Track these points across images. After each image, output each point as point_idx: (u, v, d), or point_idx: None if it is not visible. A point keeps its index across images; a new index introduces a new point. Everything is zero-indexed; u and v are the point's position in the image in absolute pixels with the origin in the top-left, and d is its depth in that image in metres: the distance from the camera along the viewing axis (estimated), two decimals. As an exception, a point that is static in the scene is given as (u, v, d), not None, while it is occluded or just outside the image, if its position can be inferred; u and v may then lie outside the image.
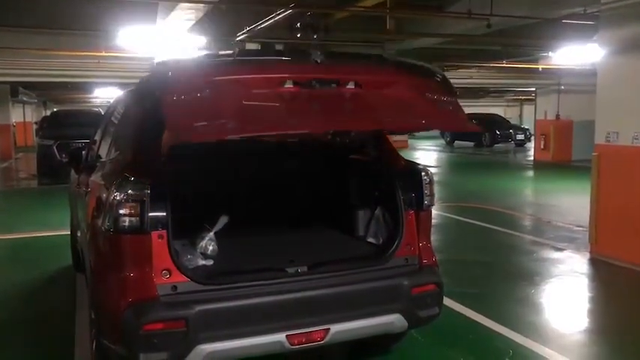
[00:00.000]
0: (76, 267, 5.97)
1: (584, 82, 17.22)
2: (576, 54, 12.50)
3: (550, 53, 13.72)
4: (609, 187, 6.77)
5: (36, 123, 29.45)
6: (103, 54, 12.56)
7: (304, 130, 2.98)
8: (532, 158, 21.40)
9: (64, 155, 5.55)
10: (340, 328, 3.21)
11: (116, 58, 13.19)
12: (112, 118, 4.44)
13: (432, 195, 3.59)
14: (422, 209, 3.55)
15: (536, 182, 15.98)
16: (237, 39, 9.57)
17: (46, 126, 16.61)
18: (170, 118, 2.67)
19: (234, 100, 2.79)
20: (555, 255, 7.11)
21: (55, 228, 8.23)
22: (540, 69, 16.98)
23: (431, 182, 3.59)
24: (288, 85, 2.93)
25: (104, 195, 3.16)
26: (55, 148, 14.58)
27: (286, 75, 2.97)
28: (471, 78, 19.62)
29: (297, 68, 3.09)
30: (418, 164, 3.66)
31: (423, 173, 3.55)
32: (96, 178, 3.71)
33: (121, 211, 2.92)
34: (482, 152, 26.32)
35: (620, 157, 6.60)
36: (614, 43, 6.71)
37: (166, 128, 2.77)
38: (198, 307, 2.92)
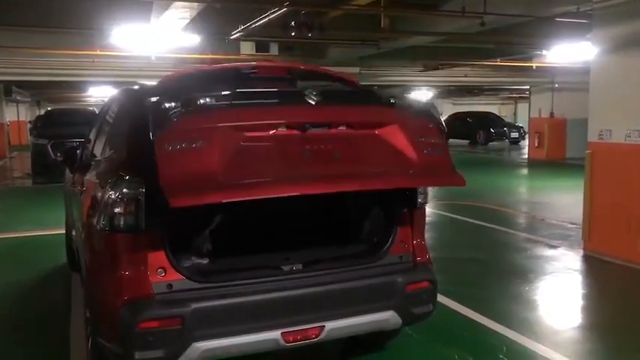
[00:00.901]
0: (71, 266, 5.97)
1: (578, 80, 17.28)
2: (570, 52, 12.56)
3: (544, 51, 13.77)
4: (602, 185, 6.81)
5: (30, 122, 29.38)
6: (98, 53, 12.53)
7: (300, 192, 2.87)
8: (526, 156, 21.48)
9: (58, 154, 5.52)
10: (335, 326, 3.23)
11: (111, 57, 13.16)
12: (107, 117, 4.44)
13: (425, 193, 3.61)
14: (415, 207, 3.57)
15: (531, 180, 16.04)
16: (232, 37, 9.56)
17: (41, 125, 16.55)
18: (163, 180, 2.58)
19: (227, 154, 2.70)
20: (549, 252, 7.15)
21: (50, 227, 8.21)
22: (534, 67, 17.06)
23: (425, 180, 3.59)
24: (282, 130, 2.87)
25: (99, 194, 3.17)
26: (49, 147, 14.54)
27: (281, 121, 2.88)
28: (466, 76, 19.67)
29: (292, 113, 2.98)
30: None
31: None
32: (91, 176, 3.71)
33: (116, 210, 2.93)
34: (476, 150, 26.39)
35: (613, 154, 6.64)
36: (607, 41, 6.74)
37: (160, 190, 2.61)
38: (194, 305, 2.93)
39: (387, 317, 3.39)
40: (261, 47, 12.87)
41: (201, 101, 2.74)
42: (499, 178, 15.53)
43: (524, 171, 18.23)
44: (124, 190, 2.93)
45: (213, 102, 2.78)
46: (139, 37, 8.58)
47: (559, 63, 15.53)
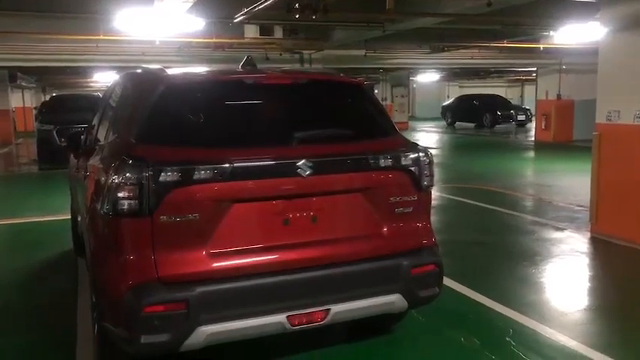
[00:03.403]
0: (76, 251, 5.99)
1: (586, 62, 17.06)
2: (578, 33, 12.40)
3: (551, 32, 13.60)
4: (610, 166, 6.76)
5: (35, 108, 29.38)
6: (102, 37, 12.46)
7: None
8: (533, 138, 21.34)
9: (63, 140, 5.51)
10: (340, 309, 3.23)
11: (114, 41, 13.10)
12: (110, 102, 4.42)
13: (431, 175, 3.57)
14: (421, 190, 3.53)
15: (537, 162, 15.95)
16: (235, 20, 9.47)
17: (46, 111, 16.53)
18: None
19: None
20: (556, 235, 7.11)
21: (55, 213, 8.24)
22: (541, 48, 16.84)
23: (430, 163, 3.56)
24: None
25: (103, 178, 3.16)
26: (55, 132, 14.55)
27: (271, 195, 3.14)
28: (472, 58, 19.48)
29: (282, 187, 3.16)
30: (417, 144, 3.64)
31: (421, 153, 3.53)
32: (94, 161, 3.69)
33: (120, 194, 2.91)
34: (483, 133, 26.24)
35: (621, 135, 6.57)
36: (616, 20, 6.64)
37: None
38: (199, 289, 2.93)
39: (393, 300, 3.38)
40: (265, 31, 12.78)
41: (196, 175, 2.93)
42: (505, 160, 15.45)
43: (531, 153, 18.12)
44: (127, 174, 2.91)
45: (210, 175, 2.95)
46: (143, 21, 8.51)
47: (567, 44, 15.34)
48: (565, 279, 5.51)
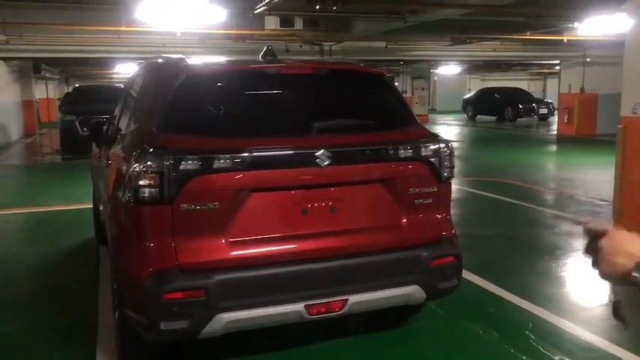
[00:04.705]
0: (98, 239, 6.07)
1: (610, 54, 16.77)
2: (603, 24, 12.17)
3: (575, 24, 13.37)
4: (635, 160, 6.64)
5: (59, 99, 29.76)
6: (123, 28, 12.56)
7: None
8: (555, 132, 21.06)
9: (85, 129, 5.59)
10: (359, 299, 3.22)
11: (136, 32, 13.20)
12: (131, 91, 4.46)
13: (451, 167, 3.55)
14: (441, 181, 3.51)
15: (560, 156, 15.75)
16: (256, 11, 9.48)
17: (69, 101, 16.73)
18: None
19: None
20: (577, 229, 6.98)
21: (78, 202, 8.36)
22: (565, 40, 16.57)
23: (451, 154, 3.54)
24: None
25: (124, 166, 3.19)
26: (77, 123, 14.73)
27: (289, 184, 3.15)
28: (494, 51, 19.24)
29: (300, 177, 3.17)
30: (437, 135, 3.61)
31: (442, 144, 3.50)
32: (116, 150, 3.74)
33: (141, 182, 2.94)
34: (504, 126, 25.96)
35: (646, 129, 6.45)
36: (643, 11, 6.51)
37: None
38: (218, 277, 2.95)
39: (411, 292, 3.36)
40: (286, 22, 12.76)
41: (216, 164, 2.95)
42: (527, 154, 15.26)
43: (553, 147, 17.89)
44: (148, 162, 2.94)
45: (229, 164, 2.97)
46: (164, 12, 8.55)
47: (591, 36, 15.06)
48: (586, 274, 5.40)
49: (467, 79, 40.75)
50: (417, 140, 3.45)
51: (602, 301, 4.73)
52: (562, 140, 18.83)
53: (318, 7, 8.33)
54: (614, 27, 11.92)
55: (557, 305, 4.55)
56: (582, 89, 19.40)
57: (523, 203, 8.51)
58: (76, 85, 20.99)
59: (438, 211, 3.53)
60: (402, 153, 3.36)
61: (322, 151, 3.11)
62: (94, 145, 5.89)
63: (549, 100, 30.09)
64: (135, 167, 2.99)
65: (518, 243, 6.50)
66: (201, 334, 3.00)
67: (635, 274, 1.26)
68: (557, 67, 21.94)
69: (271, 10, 9.71)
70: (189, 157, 2.93)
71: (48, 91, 31.03)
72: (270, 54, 3.83)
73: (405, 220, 3.39)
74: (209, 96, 3.31)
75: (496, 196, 9.03)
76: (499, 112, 28.65)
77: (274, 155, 3.08)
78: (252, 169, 3.02)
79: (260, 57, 3.84)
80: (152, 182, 2.93)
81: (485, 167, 12.62)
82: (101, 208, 4.83)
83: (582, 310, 4.53)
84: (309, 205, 3.17)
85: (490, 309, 4.49)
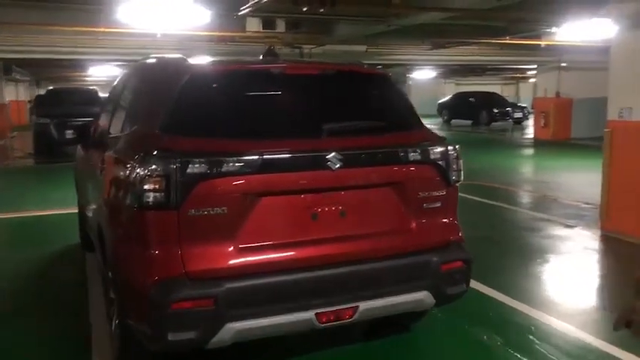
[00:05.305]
0: (84, 245, 5.88)
1: (585, 60, 17.09)
2: (580, 30, 12.36)
3: (554, 29, 13.54)
4: (622, 164, 6.71)
5: (29, 102, 29.10)
6: (103, 30, 12.29)
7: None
8: (531, 136, 21.34)
9: (71, 132, 5.44)
10: (369, 306, 3.15)
11: (115, 34, 12.92)
12: (125, 92, 4.30)
13: (459, 170, 3.50)
14: (449, 185, 3.46)
15: (538, 160, 15.91)
16: (241, 13, 9.36)
17: (43, 104, 16.38)
18: None
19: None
20: (565, 232, 7.06)
21: (56, 207, 8.14)
22: (543, 45, 16.80)
23: (458, 157, 3.50)
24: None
25: (125, 170, 3.06)
26: (52, 126, 14.42)
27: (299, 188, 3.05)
28: (473, 55, 19.44)
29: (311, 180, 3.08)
30: (444, 138, 3.56)
31: (450, 147, 3.45)
32: (112, 153, 3.58)
33: (146, 187, 2.81)
34: (480, 130, 26.22)
35: (633, 132, 6.52)
36: (629, 16, 6.58)
37: None
38: (227, 285, 2.84)
39: (421, 297, 3.30)
40: (268, 24, 12.66)
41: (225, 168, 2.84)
42: (506, 158, 15.41)
43: (531, 151, 18.10)
44: (154, 165, 2.81)
45: (239, 167, 2.87)
46: (148, 12, 8.36)
47: (568, 41, 15.29)
48: (579, 277, 5.44)
49: (442, 83, 41.12)
50: (427, 143, 3.40)
51: (599, 303, 4.77)
52: (539, 144, 19.07)
53: (305, 10, 8.25)
54: (591, 32, 12.13)
55: (555, 308, 4.54)
56: (558, 94, 19.71)
57: (508, 206, 8.55)
58: (50, 88, 20.53)
59: (447, 215, 3.48)
60: (412, 156, 3.30)
61: (333, 153, 3.03)
62: (78, 148, 5.71)
63: (524, 105, 30.54)
64: (139, 171, 2.86)
65: (508, 246, 6.51)
66: (210, 344, 2.89)
67: None
68: (530, 72, 22.27)
69: (256, 11, 9.60)
70: (197, 160, 2.81)
71: (18, 94, 30.31)
72: (271, 54, 3.73)
73: (414, 225, 3.33)
74: (215, 96, 3.19)
75: (480, 199, 9.03)
76: (474, 116, 28.95)
77: (285, 158, 2.99)
78: (261, 173, 2.92)
79: (261, 57, 3.74)
80: (157, 187, 2.80)
81: (467, 171, 12.65)
82: (90, 214, 4.66)
83: (580, 314, 4.51)
84: (319, 210, 3.08)
85: (490, 313, 4.45)
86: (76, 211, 6.12)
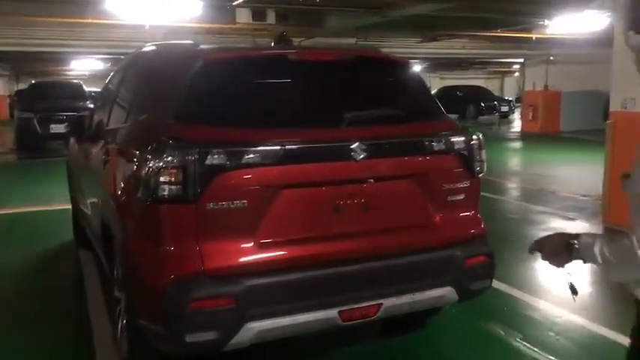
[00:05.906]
0: (78, 242, 5.67)
1: (572, 53, 17.16)
2: (571, 22, 12.36)
3: (546, 21, 13.50)
4: (625, 155, 6.62)
5: (10, 96, 28.52)
6: (90, 21, 11.97)
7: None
8: (519, 130, 21.35)
9: (68, 126, 5.24)
10: (393, 303, 3.00)
11: (102, 25, 12.61)
12: (126, 81, 4.09)
13: (482, 161, 3.37)
14: (473, 176, 3.32)
15: (529, 153, 15.89)
16: (234, 3, 9.15)
17: (26, 98, 16.00)
18: None
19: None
20: (567, 224, 6.99)
21: (44, 203, 7.91)
22: (534, 38, 16.78)
23: (481, 147, 3.36)
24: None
25: (135, 162, 2.87)
26: (35, 121, 14.08)
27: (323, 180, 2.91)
28: (463, 48, 19.38)
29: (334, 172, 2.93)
30: (467, 127, 3.43)
31: (474, 137, 3.31)
32: (119, 144, 3.39)
33: (161, 179, 2.63)
34: (467, 124, 26.05)
35: (637, 123, 6.45)
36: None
37: None
38: (248, 282, 2.67)
39: (445, 293, 3.17)
40: (258, 15, 12.46)
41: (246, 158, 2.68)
42: (496, 151, 15.31)
43: (520, 144, 18.10)
44: (169, 156, 2.63)
45: (260, 158, 2.70)
46: (138, 3, 8.12)
47: (559, 34, 15.29)
48: (588, 270, 5.36)
49: (426, 77, 41.09)
50: (450, 132, 3.26)
51: (614, 296, 4.68)
52: (527, 137, 19.06)
53: (301, 0, 8.07)
54: (582, 25, 12.13)
55: (570, 303, 4.44)
56: (546, 87, 19.74)
57: (507, 199, 8.50)
58: (33, 82, 20.06)
59: (470, 208, 3.36)
60: (437, 146, 3.16)
61: (357, 143, 2.88)
62: (71, 142, 5.49)
63: (510, 98, 30.64)
64: (152, 162, 2.68)
65: (512, 239, 6.39)
66: (229, 345, 2.72)
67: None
68: (515, 67, 22.30)
69: (250, 1, 9.39)
70: (216, 150, 2.64)
71: (-3, 88, 29.70)
72: (283, 40, 3.56)
73: (438, 218, 3.19)
74: (232, 83, 3.01)
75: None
76: (461, 110, 28.86)
77: (308, 148, 2.82)
78: (283, 164, 2.76)
79: (272, 44, 3.57)
80: (174, 179, 2.62)
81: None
82: (89, 210, 4.45)
83: (595, 308, 4.45)
84: (342, 203, 2.93)
85: (505, 308, 4.36)
86: (66, 207, 5.90)
